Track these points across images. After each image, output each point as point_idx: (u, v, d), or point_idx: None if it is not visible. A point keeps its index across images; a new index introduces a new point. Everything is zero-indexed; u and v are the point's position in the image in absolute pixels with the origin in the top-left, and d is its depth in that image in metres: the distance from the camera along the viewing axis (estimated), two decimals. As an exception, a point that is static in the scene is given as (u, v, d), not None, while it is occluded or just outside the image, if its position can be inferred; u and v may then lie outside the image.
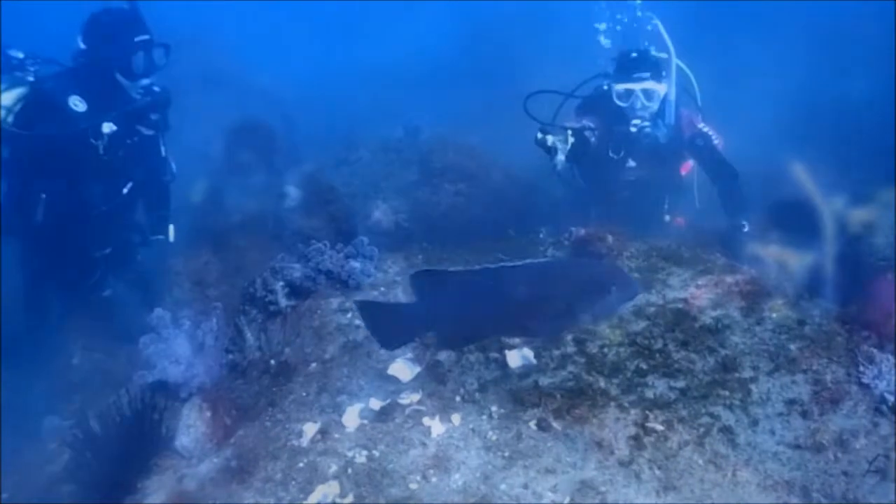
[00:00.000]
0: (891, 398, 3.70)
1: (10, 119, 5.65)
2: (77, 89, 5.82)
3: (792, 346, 4.05)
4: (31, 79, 5.82)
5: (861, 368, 3.87)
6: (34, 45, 6.17)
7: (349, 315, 4.85)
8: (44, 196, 5.88)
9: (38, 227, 5.94)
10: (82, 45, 5.95)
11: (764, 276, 4.93)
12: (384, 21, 21.40)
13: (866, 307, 4.28)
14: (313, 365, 4.48)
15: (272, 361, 4.54)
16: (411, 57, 15.89)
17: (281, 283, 5.15)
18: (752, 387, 3.81)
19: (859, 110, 10.63)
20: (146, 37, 5.96)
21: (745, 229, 6.40)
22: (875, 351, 3.98)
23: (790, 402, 3.73)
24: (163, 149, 6.62)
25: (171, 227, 6.86)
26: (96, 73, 5.93)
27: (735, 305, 4.44)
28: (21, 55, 5.94)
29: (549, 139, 5.93)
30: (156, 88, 6.14)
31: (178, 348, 4.79)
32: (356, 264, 5.27)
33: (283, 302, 5.11)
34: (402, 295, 4.96)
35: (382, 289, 5.11)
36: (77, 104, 5.77)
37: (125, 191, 6.32)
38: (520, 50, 13.85)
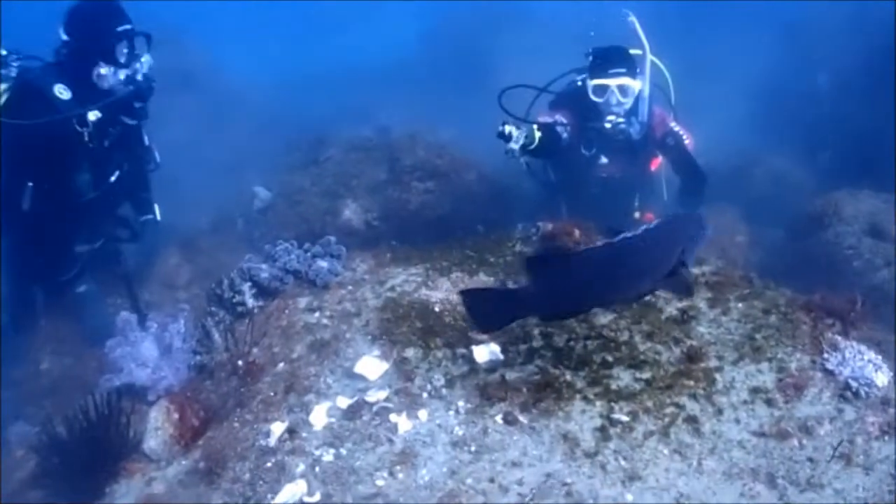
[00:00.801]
0: (855, 384, 3.73)
1: None
2: (61, 78, 5.83)
3: (757, 336, 4.08)
4: (13, 74, 5.84)
5: (825, 356, 3.91)
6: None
7: (317, 314, 4.82)
8: (30, 184, 5.89)
9: (24, 216, 5.95)
10: (64, 37, 5.94)
11: (730, 266, 4.96)
12: (354, 20, 21.37)
13: (831, 295, 4.32)
14: (281, 365, 4.45)
15: (239, 362, 4.51)
16: (382, 56, 15.87)
17: (248, 284, 5.13)
18: (717, 376, 3.83)
19: (827, 104, 10.68)
20: (128, 26, 5.98)
21: None
22: (839, 338, 4.04)
23: (755, 391, 3.75)
24: (146, 138, 6.66)
25: (157, 207, 6.93)
26: (80, 63, 5.93)
27: (701, 297, 4.46)
28: (3, 52, 5.93)
29: (507, 128, 5.92)
30: (139, 77, 6.11)
31: (144, 351, 4.77)
32: (324, 263, 5.25)
33: (251, 302, 5.09)
34: (369, 293, 4.94)
35: (350, 287, 5.08)
36: (62, 92, 5.77)
37: (113, 179, 6.34)
38: (491, 48, 13.88)
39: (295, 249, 5.34)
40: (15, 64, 5.91)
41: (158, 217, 6.95)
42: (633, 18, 6.95)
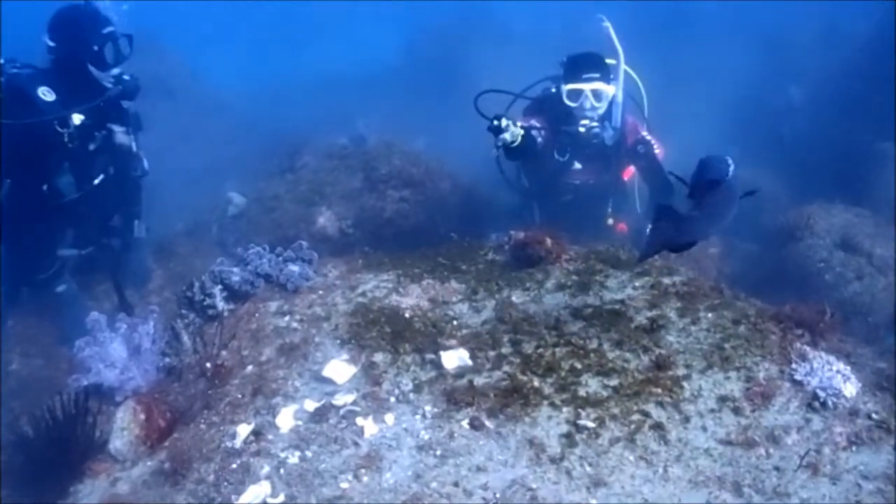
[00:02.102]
0: (822, 394, 3.74)
1: None
2: (47, 82, 5.95)
3: (726, 345, 4.09)
4: (2, 79, 5.92)
5: (794, 366, 3.92)
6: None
7: (287, 318, 4.80)
8: (8, 181, 5.97)
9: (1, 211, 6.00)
10: (50, 43, 6.09)
11: (702, 277, 4.98)
12: (333, 28, 21.40)
13: (801, 306, 4.34)
14: (249, 367, 4.42)
15: (208, 364, 4.47)
16: (360, 64, 15.92)
17: (219, 287, 5.10)
18: (685, 384, 3.83)
19: (800, 117, 10.78)
20: (112, 28, 6.19)
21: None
22: (808, 348, 4.05)
23: (722, 399, 3.76)
24: (134, 145, 6.70)
25: (137, 223, 7.03)
26: (68, 66, 6.10)
27: (671, 306, 4.47)
28: (1, 60, 6.01)
29: (504, 121, 5.91)
30: (125, 77, 6.32)
31: (113, 352, 4.71)
32: (295, 268, 5.24)
33: (221, 305, 5.06)
34: (340, 298, 4.92)
35: (321, 292, 5.07)
36: (46, 94, 5.89)
37: (96, 182, 6.41)
38: (468, 58, 13.93)
39: (267, 254, 5.33)
40: (12, 71, 6.00)
41: (141, 233, 7.07)
42: (607, 24, 7.00)
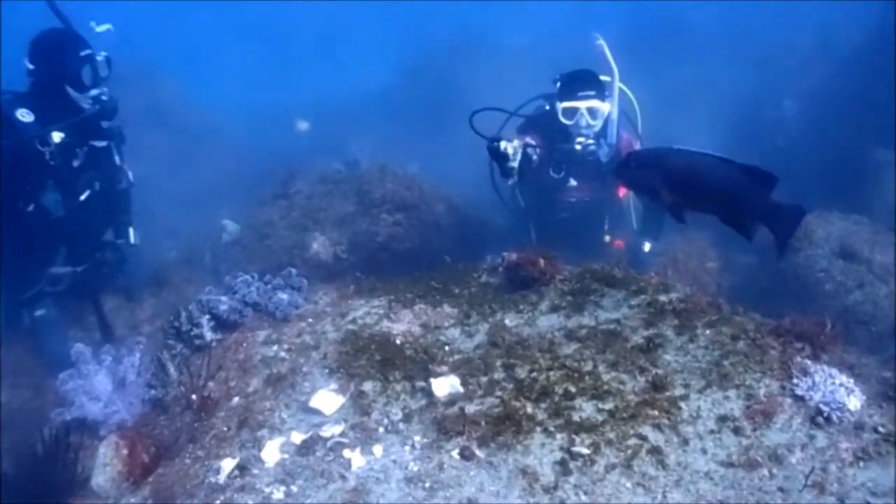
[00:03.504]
0: (826, 409, 3.62)
1: None
2: (25, 104, 6.05)
3: (725, 362, 3.97)
4: None
5: (795, 381, 3.80)
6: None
7: (275, 347, 4.72)
8: None
9: None
10: (30, 66, 6.22)
11: (699, 293, 4.87)
12: (323, 52, 21.48)
13: (800, 319, 4.23)
14: (236, 399, 4.33)
15: (194, 396, 4.37)
16: (354, 89, 15.93)
17: (207, 317, 5.02)
18: (683, 405, 3.71)
19: (794, 128, 10.75)
20: (89, 51, 6.30)
21: (646, 249, 6.77)
22: (809, 362, 3.93)
23: (722, 419, 3.63)
24: (117, 158, 6.87)
25: (132, 230, 7.12)
26: (47, 88, 6.21)
27: (668, 324, 4.36)
28: None
29: (503, 144, 5.86)
30: (104, 98, 6.40)
31: (97, 384, 4.61)
32: (284, 296, 5.15)
33: (209, 335, 4.97)
34: (329, 326, 4.82)
35: (311, 320, 4.98)
36: (24, 116, 5.98)
37: (83, 198, 6.53)
38: (462, 82, 13.93)
39: (255, 282, 5.27)
40: None
41: (132, 241, 7.12)
42: (601, 42, 6.98)
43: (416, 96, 14.34)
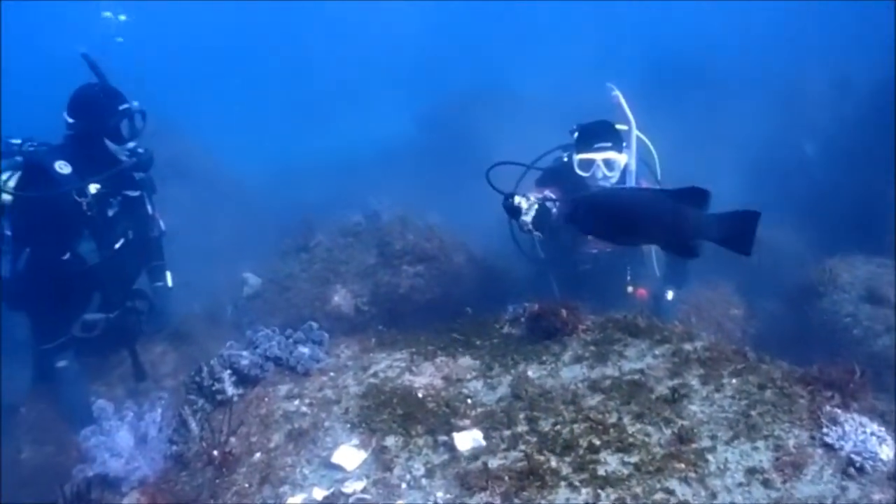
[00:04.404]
0: (858, 459, 3.54)
1: (7, 190, 6.14)
2: (63, 156, 6.27)
3: (752, 412, 3.90)
4: (19, 158, 6.36)
5: (825, 430, 3.73)
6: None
7: (296, 402, 4.68)
8: (28, 249, 6.26)
9: (20, 279, 6.28)
10: (70, 119, 6.42)
11: (724, 341, 4.81)
12: (342, 105, 21.68)
13: (829, 366, 4.16)
14: (258, 455, 4.30)
15: (215, 452, 4.34)
16: (373, 142, 16.06)
17: (228, 372, 5.00)
18: (710, 457, 3.64)
19: (816, 171, 10.72)
20: (127, 105, 6.52)
21: (669, 298, 6.63)
22: (839, 411, 3.85)
23: (751, 471, 3.56)
24: (149, 207, 7.11)
25: (169, 274, 7.41)
26: (86, 141, 6.41)
27: (693, 373, 4.30)
28: (18, 140, 6.45)
29: (516, 199, 5.87)
30: (140, 150, 6.71)
31: (119, 441, 4.60)
32: (305, 350, 5.13)
33: (231, 390, 4.94)
34: (351, 380, 4.79)
35: (332, 374, 4.95)
36: (62, 167, 6.19)
37: (117, 246, 6.72)
38: (481, 132, 14.00)
39: (276, 336, 5.24)
40: (30, 149, 6.42)
41: (170, 283, 7.39)
42: (617, 93, 6.96)
43: (435, 146, 14.42)
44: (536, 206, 5.92)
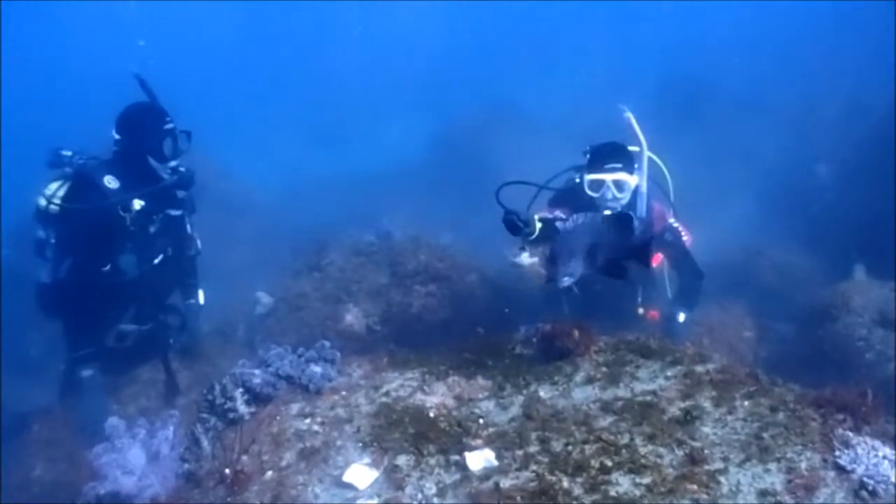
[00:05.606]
0: (870, 482, 3.53)
1: (56, 200, 6.36)
2: (111, 171, 6.47)
3: (764, 435, 3.89)
4: (68, 169, 6.60)
5: (837, 453, 3.71)
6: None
7: (308, 420, 4.69)
8: (70, 259, 6.46)
9: (59, 284, 6.48)
10: (116, 136, 6.59)
11: (736, 363, 4.80)
12: (356, 125, 21.74)
13: (841, 389, 4.15)
14: (269, 473, 4.30)
15: (227, 471, 4.35)
16: (383, 159, 16.09)
17: (240, 390, 5.01)
18: (722, 479, 3.63)
19: (829, 194, 10.70)
20: (172, 125, 6.65)
21: (681, 319, 6.73)
22: (851, 434, 3.84)
23: (763, 494, 3.55)
24: (189, 227, 7.23)
25: (201, 292, 7.58)
26: (130, 158, 6.59)
27: (706, 395, 4.30)
28: (70, 153, 6.68)
29: (535, 216, 5.87)
30: (182, 169, 6.81)
31: (131, 458, 4.60)
32: (317, 369, 5.14)
33: (243, 409, 4.95)
34: (363, 399, 4.80)
35: (344, 393, 4.96)
36: (110, 182, 6.41)
37: (156, 262, 6.87)
38: (494, 152, 14.02)
39: (288, 354, 5.25)
40: (80, 162, 6.63)
41: (202, 301, 7.56)
42: (629, 114, 6.96)
43: (448, 166, 14.46)
44: (539, 227, 5.89)
